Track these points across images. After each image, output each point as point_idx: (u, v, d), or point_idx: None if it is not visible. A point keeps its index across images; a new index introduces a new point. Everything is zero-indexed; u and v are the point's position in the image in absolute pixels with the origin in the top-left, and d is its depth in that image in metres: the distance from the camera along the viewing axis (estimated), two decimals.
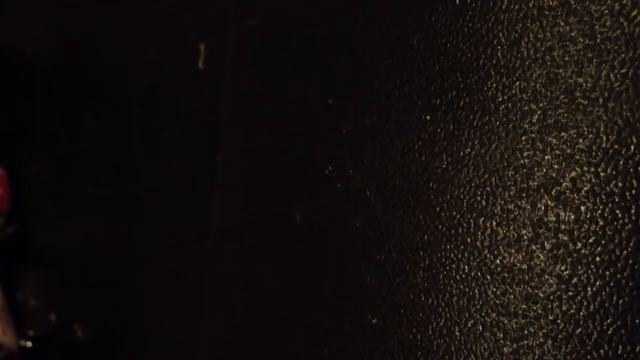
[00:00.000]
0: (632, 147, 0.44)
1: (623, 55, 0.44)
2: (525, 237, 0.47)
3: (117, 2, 0.78)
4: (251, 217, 0.63)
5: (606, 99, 0.44)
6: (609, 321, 0.44)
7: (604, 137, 0.44)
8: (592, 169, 0.45)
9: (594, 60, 0.45)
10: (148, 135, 0.75)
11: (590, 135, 0.45)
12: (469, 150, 0.49)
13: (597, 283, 0.44)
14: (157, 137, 0.75)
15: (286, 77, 0.60)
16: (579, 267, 0.45)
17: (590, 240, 0.45)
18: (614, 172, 0.44)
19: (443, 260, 0.49)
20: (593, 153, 0.45)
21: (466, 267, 0.49)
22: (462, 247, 0.49)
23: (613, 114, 0.44)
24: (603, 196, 0.44)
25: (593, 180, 0.45)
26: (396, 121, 0.52)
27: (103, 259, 0.79)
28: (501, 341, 0.47)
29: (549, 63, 0.46)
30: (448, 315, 0.49)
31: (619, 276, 0.44)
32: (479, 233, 0.48)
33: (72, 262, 0.82)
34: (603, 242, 0.44)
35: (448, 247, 0.49)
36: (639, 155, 0.43)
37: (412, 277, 0.51)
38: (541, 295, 0.46)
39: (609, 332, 0.44)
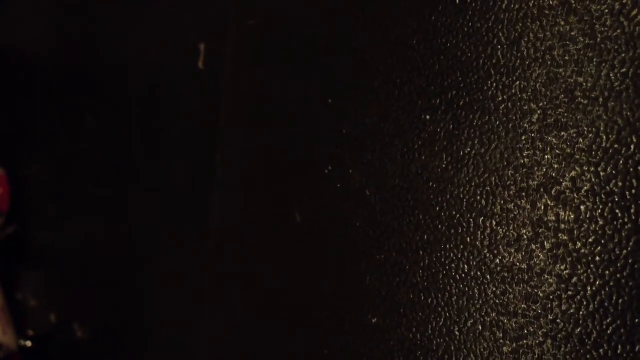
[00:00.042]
0: (632, 146, 0.44)
1: (623, 55, 0.44)
2: (525, 237, 0.46)
3: (117, 2, 0.78)
4: (251, 217, 0.63)
5: (606, 99, 0.44)
6: (608, 321, 0.44)
7: (604, 137, 0.44)
8: (592, 169, 0.45)
9: (594, 60, 0.45)
10: (148, 135, 0.75)
11: (591, 135, 0.45)
12: (469, 150, 0.49)
13: (597, 283, 0.44)
14: (157, 137, 0.75)
15: (286, 77, 0.60)
16: (579, 267, 0.45)
17: (590, 240, 0.45)
18: (614, 172, 0.44)
19: (443, 260, 0.49)
20: (593, 153, 0.45)
21: (466, 266, 0.49)
22: (462, 246, 0.49)
23: (613, 114, 0.44)
24: (603, 196, 0.44)
25: (593, 179, 0.45)
26: (396, 121, 0.52)
27: (103, 259, 0.79)
28: (501, 341, 0.47)
29: (549, 63, 0.46)
30: (448, 314, 0.49)
31: (618, 276, 0.44)
32: (479, 233, 0.48)
33: (72, 262, 0.82)
34: (603, 241, 0.44)
35: (448, 246, 0.49)
36: (639, 155, 0.43)
37: (412, 277, 0.51)
38: (541, 294, 0.46)
39: (609, 332, 0.44)
